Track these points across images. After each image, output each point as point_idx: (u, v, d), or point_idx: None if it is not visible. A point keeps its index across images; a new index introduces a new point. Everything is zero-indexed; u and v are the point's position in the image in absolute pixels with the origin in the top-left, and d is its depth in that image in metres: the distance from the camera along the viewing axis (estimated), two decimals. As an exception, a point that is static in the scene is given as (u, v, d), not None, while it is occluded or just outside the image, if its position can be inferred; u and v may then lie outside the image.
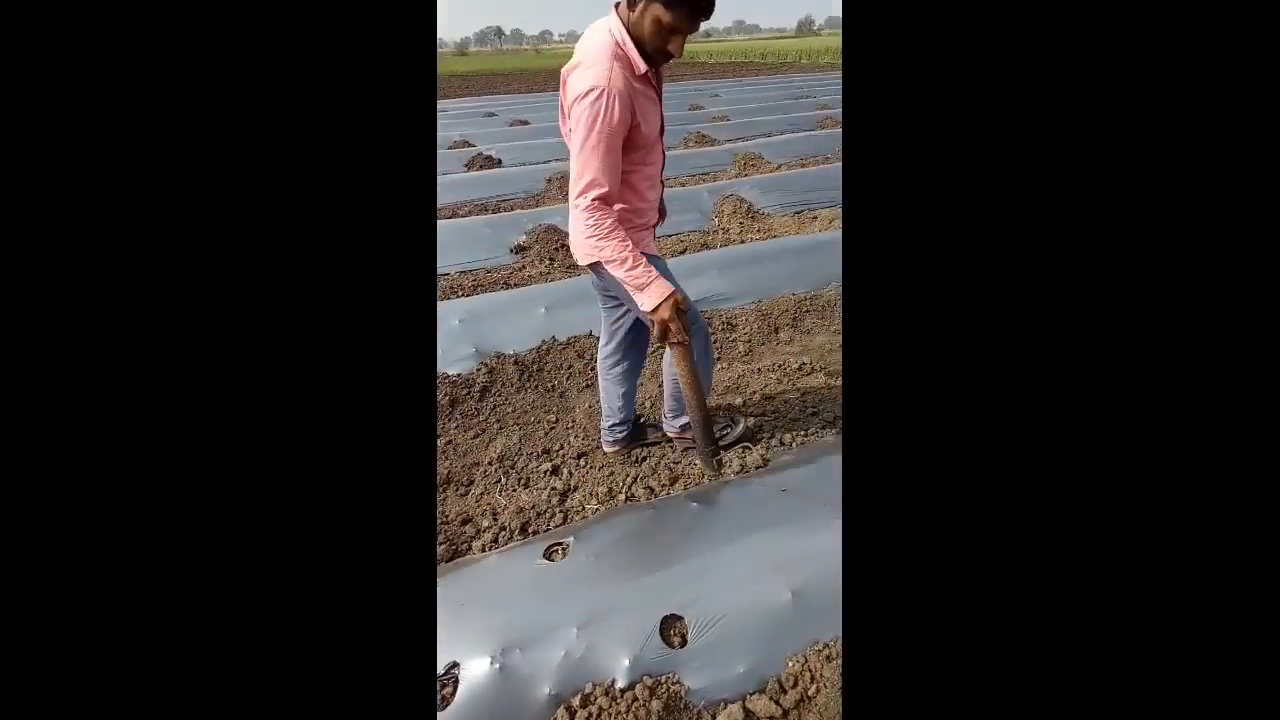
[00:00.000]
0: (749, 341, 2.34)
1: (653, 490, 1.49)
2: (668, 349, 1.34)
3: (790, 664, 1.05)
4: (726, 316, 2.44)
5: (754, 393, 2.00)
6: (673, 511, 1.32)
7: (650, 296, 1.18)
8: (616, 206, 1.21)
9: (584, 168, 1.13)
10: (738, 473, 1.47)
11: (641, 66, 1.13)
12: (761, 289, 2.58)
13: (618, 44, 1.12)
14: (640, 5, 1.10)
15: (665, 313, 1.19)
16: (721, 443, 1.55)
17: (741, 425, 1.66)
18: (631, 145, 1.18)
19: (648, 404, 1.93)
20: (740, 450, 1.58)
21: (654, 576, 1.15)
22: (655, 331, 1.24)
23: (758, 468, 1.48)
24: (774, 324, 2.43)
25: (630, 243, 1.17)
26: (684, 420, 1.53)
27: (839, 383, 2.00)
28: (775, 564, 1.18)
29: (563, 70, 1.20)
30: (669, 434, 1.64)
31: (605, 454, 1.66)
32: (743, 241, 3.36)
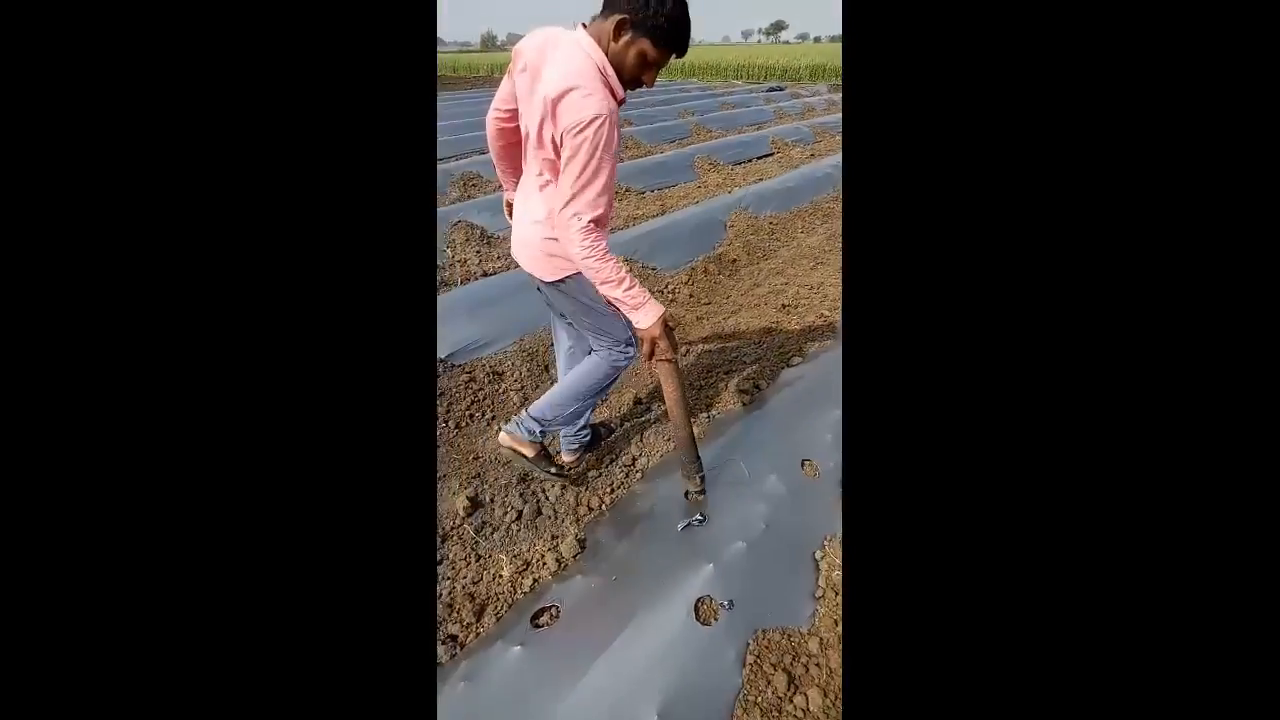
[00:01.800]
0: (521, 390, 2.10)
1: (456, 640, 1.16)
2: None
3: (679, 809, 0.88)
4: (491, 365, 2.15)
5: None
6: (489, 666, 1.03)
7: (646, 315, 1.21)
8: None
9: (584, 189, 1.10)
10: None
11: (621, 93, 1.14)
12: (523, 326, 2.35)
13: (600, 69, 1.10)
14: (627, 38, 1.10)
15: (657, 330, 1.22)
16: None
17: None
18: None
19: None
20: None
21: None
22: (644, 349, 1.26)
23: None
24: (542, 362, 2.23)
25: (622, 264, 1.20)
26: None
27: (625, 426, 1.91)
28: (632, 683, 0.99)
29: (546, 84, 1.10)
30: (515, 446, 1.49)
31: (566, 463, 1.64)
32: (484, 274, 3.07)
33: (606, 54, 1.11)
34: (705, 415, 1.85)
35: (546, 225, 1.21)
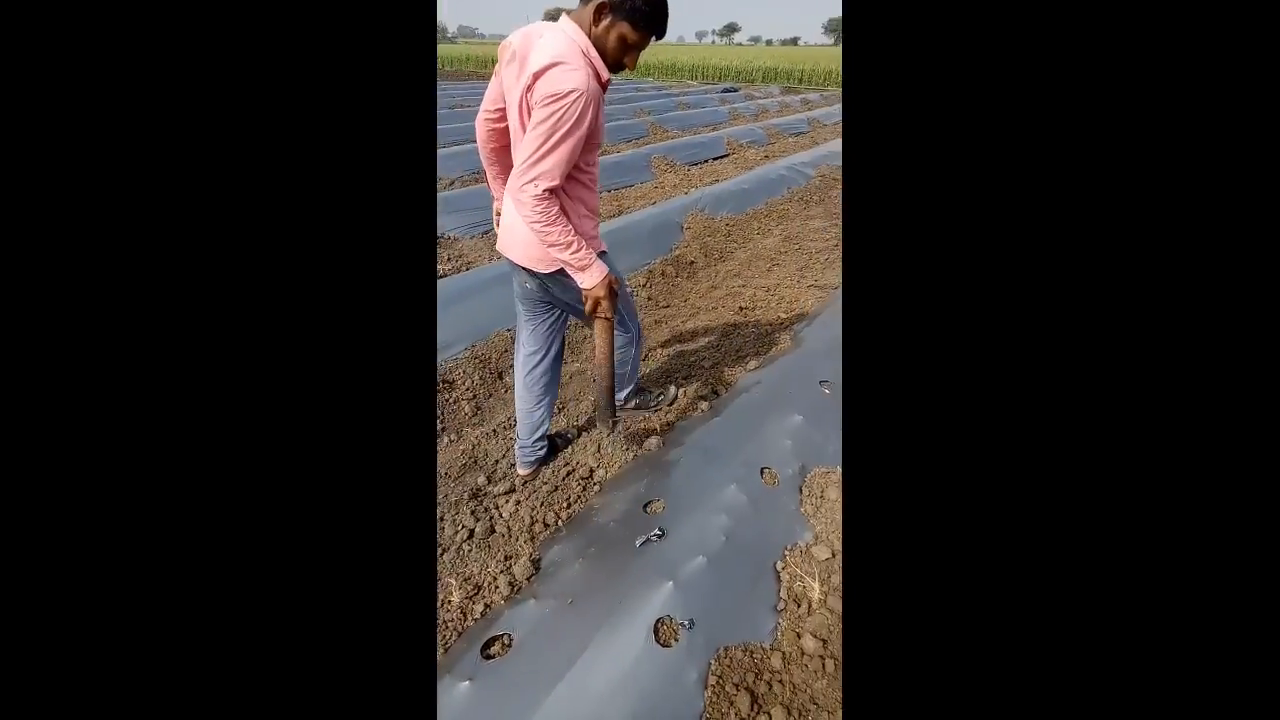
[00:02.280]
0: (474, 399, 2.01)
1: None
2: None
3: None
4: (443, 373, 2.05)
5: (496, 463, 1.71)
6: (437, 703, 0.96)
7: (591, 275, 1.26)
8: (577, 204, 1.29)
9: (543, 158, 1.13)
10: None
11: (606, 75, 1.18)
12: (477, 332, 2.26)
13: (583, 51, 1.13)
14: (607, 21, 1.13)
15: (601, 290, 1.28)
16: (655, 406, 1.85)
17: (672, 389, 1.90)
18: (589, 147, 1.22)
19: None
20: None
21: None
22: (588, 306, 1.31)
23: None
24: (496, 369, 2.15)
25: (571, 228, 1.22)
26: (627, 390, 1.74)
27: (575, 434, 1.86)
28: (589, 715, 0.94)
29: (532, 65, 1.13)
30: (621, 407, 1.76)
31: (521, 476, 1.60)
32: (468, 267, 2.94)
33: (589, 38, 1.14)
34: (664, 421, 1.81)
35: None
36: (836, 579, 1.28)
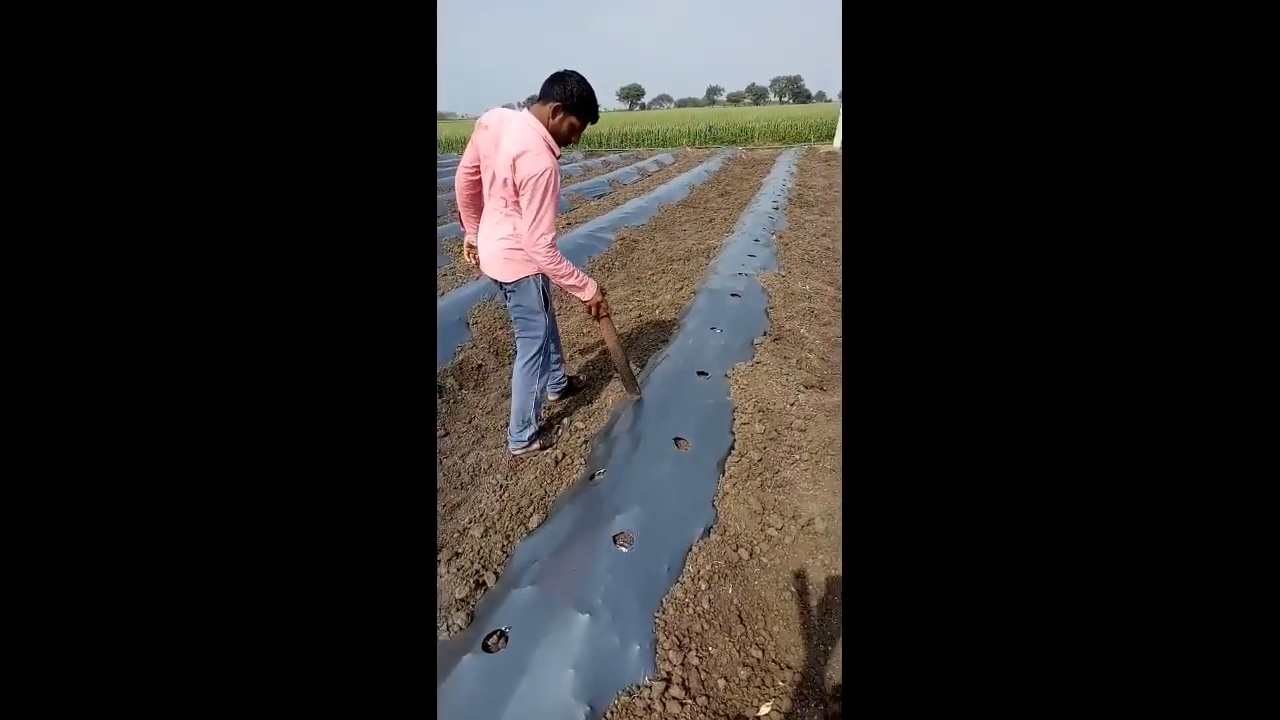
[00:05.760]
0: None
1: None
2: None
3: None
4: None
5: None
6: None
7: (587, 291, 1.83)
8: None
9: (542, 220, 1.62)
10: None
11: (558, 151, 1.69)
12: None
13: (543, 138, 1.62)
14: (560, 116, 1.65)
15: (598, 298, 1.87)
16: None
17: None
18: None
19: None
20: None
21: None
22: (591, 313, 1.90)
23: None
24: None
25: (570, 264, 1.75)
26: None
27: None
28: None
29: (506, 147, 1.61)
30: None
31: (516, 457, 2.03)
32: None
33: (547, 127, 1.64)
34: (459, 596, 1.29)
35: (510, 240, 1.72)
36: None
